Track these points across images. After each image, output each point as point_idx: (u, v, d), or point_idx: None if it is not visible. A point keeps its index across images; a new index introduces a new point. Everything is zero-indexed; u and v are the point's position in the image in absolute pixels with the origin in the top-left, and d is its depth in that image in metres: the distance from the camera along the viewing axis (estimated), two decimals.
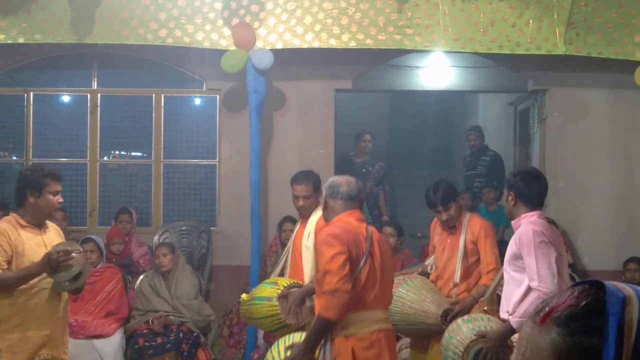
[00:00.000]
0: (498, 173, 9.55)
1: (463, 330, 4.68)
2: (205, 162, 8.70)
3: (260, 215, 7.90)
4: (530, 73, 8.70)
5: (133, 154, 8.99)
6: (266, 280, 5.43)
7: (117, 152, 8.96)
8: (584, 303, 1.06)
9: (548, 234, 4.52)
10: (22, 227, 4.70)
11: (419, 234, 10.03)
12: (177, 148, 8.73)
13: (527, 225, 4.50)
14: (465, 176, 9.82)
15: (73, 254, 4.59)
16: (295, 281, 5.25)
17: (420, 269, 6.09)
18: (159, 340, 6.81)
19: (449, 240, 5.76)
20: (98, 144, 8.62)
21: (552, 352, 1.04)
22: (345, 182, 4.36)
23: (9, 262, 4.59)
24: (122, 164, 8.94)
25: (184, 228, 8.37)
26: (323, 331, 4.04)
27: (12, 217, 4.78)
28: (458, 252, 5.62)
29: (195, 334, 6.98)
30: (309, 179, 5.75)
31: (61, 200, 4.86)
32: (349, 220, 4.19)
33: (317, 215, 5.44)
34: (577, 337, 1.03)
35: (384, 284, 4.21)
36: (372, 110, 12.42)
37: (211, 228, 8.51)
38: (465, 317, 4.87)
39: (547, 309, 1.09)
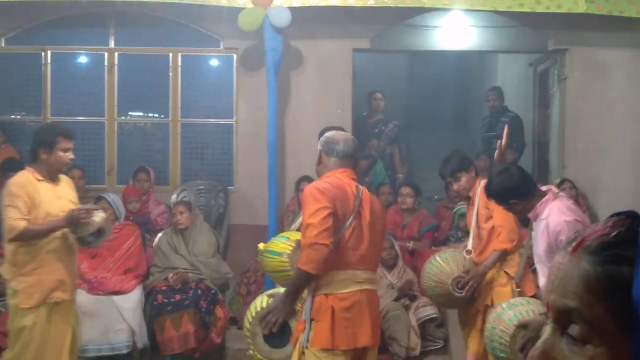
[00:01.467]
0: (517, 135, 9.47)
1: (504, 319, 4.43)
2: (222, 121, 8.69)
3: (278, 175, 7.91)
4: (551, 32, 8.60)
5: (150, 114, 9.00)
6: (280, 234, 5.41)
7: (134, 113, 8.96)
8: (615, 232, 1.04)
9: (580, 218, 4.40)
10: (38, 180, 4.98)
11: (436, 197, 10.00)
12: (194, 107, 8.72)
13: (557, 215, 4.31)
14: (483, 137, 9.75)
15: (94, 213, 4.98)
16: None
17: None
18: (178, 297, 6.86)
19: (469, 211, 5.69)
20: (115, 103, 8.62)
21: (581, 281, 1.02)
22: (342, 139, 4.25)
23: (29, 213, 4.87)
24: (139, 123, 8.95)
25: (201, 187, 8.39)
26: (302, 284, 4.01)
27: (28, 171, 5.05)
28: (472, 223, 5.53)
29: (213, 291, 7.03)
30: None
31: (71, 156, 5.11)
32: (341, 177, 4.12)
33: None
34: (607, 266, 1.01)
35: (371, 245, 4.14)
36: (390, 71, 12.34)
37: (228, 187, 8.53)
38: (504, 304, 4.54)
39: (579, 238, 1.07)
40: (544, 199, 4.41)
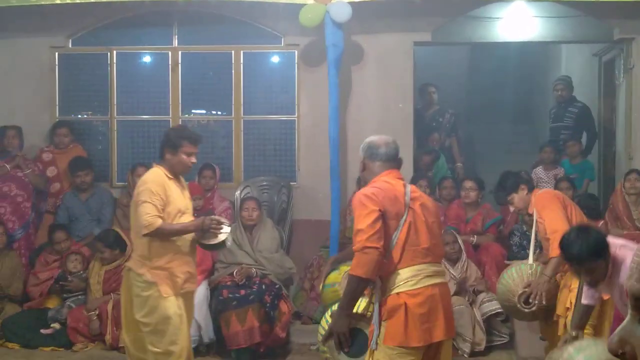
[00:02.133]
0: (587, 125, 9.33)
1: None
2: (284, 117, 8.75)
3: (340, 170, 7.93)
4: (616, 21, 8.43)
5: (213, 112, 9.10)
6: (334, 270, 5.44)
7: (197, 111, 9.08)
8: None
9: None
10: (169, 178, 5.25)
11: None
12: (256, 104, 8.80)
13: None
14: (551, 128, 9.60)
15: (223, 226, 5.24)
16: None
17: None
18: (242, 292, 6.93)
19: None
20: (180, 101, 8.76)
21: None
22: (383, 142, 4.27)
23: (163, 210, 5.14)
24: (203, 121, 9.06)
25: (264, 183, 8.46)
26: (355, 290, 4.00)
27: (159, 169, 5.29)
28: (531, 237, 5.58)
29: (277, 286, 7.09)
30: None
31: (194, 161, 5.34)
32: (388, 180, 4.14)
33: None
34: None
35: (431, 239, 4.12)
36: (451, 63, 12.24)
37: (291, 183, 8.59)
38: (572, 347, 4.13)
39: None
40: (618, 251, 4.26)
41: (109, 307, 7.19)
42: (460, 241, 7.33)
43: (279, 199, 8.37)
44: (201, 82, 8.90)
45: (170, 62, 8.74)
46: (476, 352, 6.92)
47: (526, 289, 5.43)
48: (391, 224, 4.01)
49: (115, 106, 8.81)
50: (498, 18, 9.05)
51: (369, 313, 4.21)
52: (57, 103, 8.87)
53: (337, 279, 5.39)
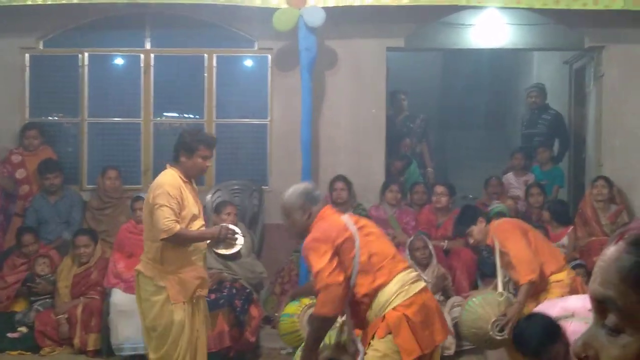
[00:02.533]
0: (560, 132, 9.41)
1: None
2: (256, 121, 8.73)
3: (312, 175, 7.93)
4: (586, 30, 8.51)
5: (185, 115, 9.06)
6: (294, 301, 5.54)
7: (169, 114, 9.03)
8: None
9: None
10: (184, 182, 5.18)
11: (471, 195, 9.96)
12: (229, 108, 8.77)
13: None
14: (523, 135, 9.69)
15: (238, 236, 5.28)
16: None
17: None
18: (213, 296, 6.88)
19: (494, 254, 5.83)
20: (151, 104, 8.70)
21: (617, 270, 1.04)
22: (307, 188, 4.45)
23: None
24: (175, 124, 9.01)
25: (236, 187, 8.43)
26: (320, 328, 4.09)
27: (174, 171, 5.19)
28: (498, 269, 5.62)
29: (248, 290, 7.06)
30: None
31: (209, 164, 5.38)
32: (326, 214, 4.29)
33: None
34: None
35: (389, 250, 4.25)
36: (424, 69, 12.30)
37: (263, 187, 8.56)
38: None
39: (622, 231, 1.09)
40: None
41: (78, 310, 7.12)
42: (430, 246, 7.35)
43: (251, 203, 8.35)
44: (173, 85, 8.86)
45: (142, 65, 8.69)
46: (445, 356, 6.93)
47: (501, 317, 5.41)
48: (347, 253, 4.11)
49: (86, 108, 8.73)
50: (471, 25, 9.12)
51: (343, 340, 4.24)
52: (27, 105, 8.76)
53: (297, 310, 5.49)
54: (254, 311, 7.02)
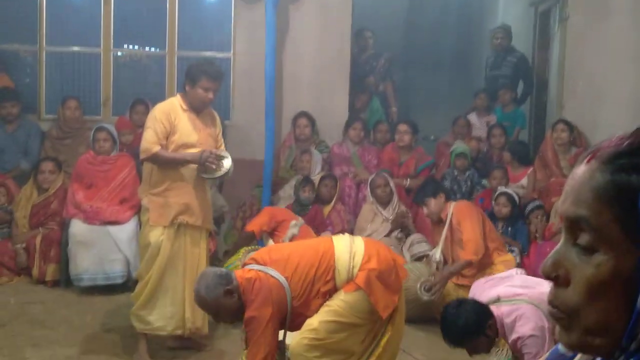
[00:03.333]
0: (524, 74, 9.43)
1: None
2: (219, 54, 8.59)
3: (275, 110, 7.86)
4: None
5: (147, 46, 8.89)
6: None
7: (130, 44, 8.85)
8: (629, 142, 1.03)
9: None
10: (183, 109, 5.26)
11: (432, 137, 10.00)
12: (191, 40, 8.61)
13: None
14: (487, 76, 9.69)
15: (223, 162, 5.26)
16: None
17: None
18: None
19: (436, 228, 6.34)
20: (112, 34, 8.50)
21: (591, 189, 1.02)
22: (214, 269, 4.21)
23: (166, 139, 5.17)
24: (135, 55, 8.85)
25: None
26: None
27: (178, 98, 5.35)
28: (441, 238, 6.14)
29: None
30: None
31: (211, 97, 5.31)
32: (252, 276, 4.02)
33: None
34: (616, 175, 1.01)
35: (315, 258, 4.15)
36: (390, 10, 12.19)
37: (225, 121, 8.46)
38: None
39: (594, 149, 1.07)
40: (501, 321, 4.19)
41: (37, 241, 7.05)
42: (392, 184, 7.38)
43: None
44: (135, 15, 8.66)
45: None
46: None
47: (430, 278, 5.94)
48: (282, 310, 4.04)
49: (45, 36, 8.51)
50: None
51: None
52: None
53: (237, 257, 5.54)
54: (210, 243, 6.98)
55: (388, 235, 7.14)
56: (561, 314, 1.05)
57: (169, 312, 5.28)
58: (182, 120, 5.22)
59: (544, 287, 3.63)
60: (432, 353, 5.58)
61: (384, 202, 7.30)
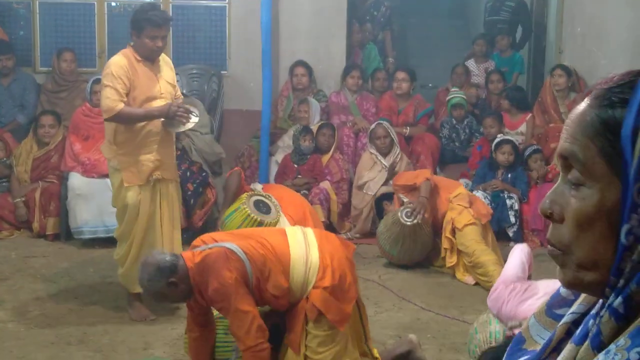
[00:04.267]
0: (523, 19, 9.35)
1: (489, 330, 4.14)
2: (214, 3, 8.50)
3: (272, 60, 7.79)
4: None
5: None
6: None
7: None
8: (620, 79, 1.04)
9: None
10: (137, 61, 5.02)
11: (430, 84, 9.94)
12: None
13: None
14: (486, 21, 9.61)
15: (191, 115, 5.07)
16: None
17: None
18: None
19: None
20: None
21: (579, 124, 1.04)
22: (156, 255, 3.97)
23: (127, 94, 4.97)
24: (130, 6, 8.73)
25: (194, 71, 8.27)
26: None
27: (129, 50, 5.07)
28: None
29: (204, 173, 7.02)
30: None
31: (160, 45, 5.05)
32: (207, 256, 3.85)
33: None
34: (602, 109, 1.03)
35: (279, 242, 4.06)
36: None
37: (222, 72, 8.42)
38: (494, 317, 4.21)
39: (592, 87, 1.08)
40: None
41: (37, 194, 7.06)
42: (392, 134, 7.36)
43: (210, 88, 8.22)
44: None
45: None
46: None
47: (409, 205, 6.23)
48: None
49: None
50: None
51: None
52: None
53: (240, 202, 5.52)
54: (209, 194, 7.00)
55: (385, 184, 7.16)
56: (557, 251, 1.07)
57: None
58: (139, 74, 5.02)
59: None
60: (430, 299, 5.62)
61: (384, 153, 7.30)
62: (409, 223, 6.13)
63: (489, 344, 4.02)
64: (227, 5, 8.44)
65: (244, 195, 5.49)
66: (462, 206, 6.23)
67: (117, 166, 5.09)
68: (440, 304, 5.52)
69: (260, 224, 5.37)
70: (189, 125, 5.16)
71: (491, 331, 4.08)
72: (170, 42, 8.45)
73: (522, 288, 4.08)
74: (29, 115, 7.70)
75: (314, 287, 3.95)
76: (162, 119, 5.07)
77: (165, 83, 5.17)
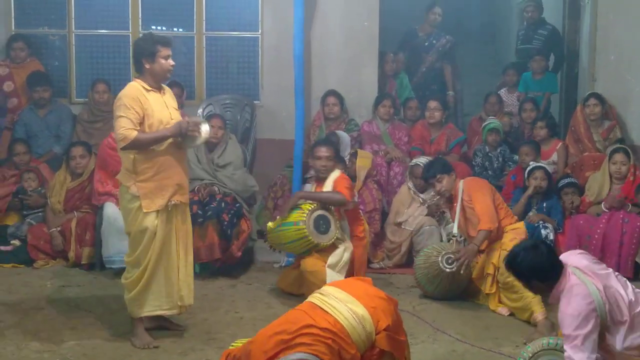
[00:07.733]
0: (556, 47, 9.31)
1: (541, 342, 4.25)
2: (247, 34, 8.59)
3: (304, 89, 7.83)
4: None
5: (174, 28, 8.89)
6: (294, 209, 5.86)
7: (158, 26, 8.85)
8: None
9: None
10: (147, 90, 5.16)
11: (450, 92, 9.85)
12: (219, 20, 8.62)
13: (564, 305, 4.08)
14: (519, 50, 9.58)
15: (201, 127, 5.20)
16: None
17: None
18: (195, 208, 6.73)
19: (452, 207, 6.42)
20: (140, 16, 8.53)
21: None
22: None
23: (141, 124, 5.09)
24: None
25: (227, 101, 8.35)
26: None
27: (137, 82, 5.20)
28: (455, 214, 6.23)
29: (237, 204, 7.04)
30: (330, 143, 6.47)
31: (172, 63, 5.24)
32: None
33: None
34: None
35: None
36: None
37: (254, 102, 8.49)
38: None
39: None
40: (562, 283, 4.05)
41: (73, 224, 7.12)
42: None
43: (243, 118, 8.28)
44: None
45: None
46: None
47: (453, 252, 6.08)
48: None
49: (73, 20, 8.56)
50: None
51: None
52: (12, 15, 8.59)
53: (301, 217, 5.46)
54: (243, 225, 7.02)
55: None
56: None
57: (164, 291, 5.29)
58: (150, 102, 5.14)
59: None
60: (466, 331, 5.58)
61: (423, 190, 7.29)
62: (448, 270, 6.06)
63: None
64: (259, 35, 8.52)
65: (307, 207, 5.40)
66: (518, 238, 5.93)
67: (136, 193, 5.16)
68: (476, 335, 5.47)
69: (316, 246, 5.40)
70: (204, 137, 5.25)
71: (547, 342, 4.21)
72: (204, 72, 8.56)
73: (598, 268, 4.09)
74: (64, 146, 7.80)
75: (376, 334, 3.96)
76: (178, 139, 5.20)
77: (173, 109, 5.32)
